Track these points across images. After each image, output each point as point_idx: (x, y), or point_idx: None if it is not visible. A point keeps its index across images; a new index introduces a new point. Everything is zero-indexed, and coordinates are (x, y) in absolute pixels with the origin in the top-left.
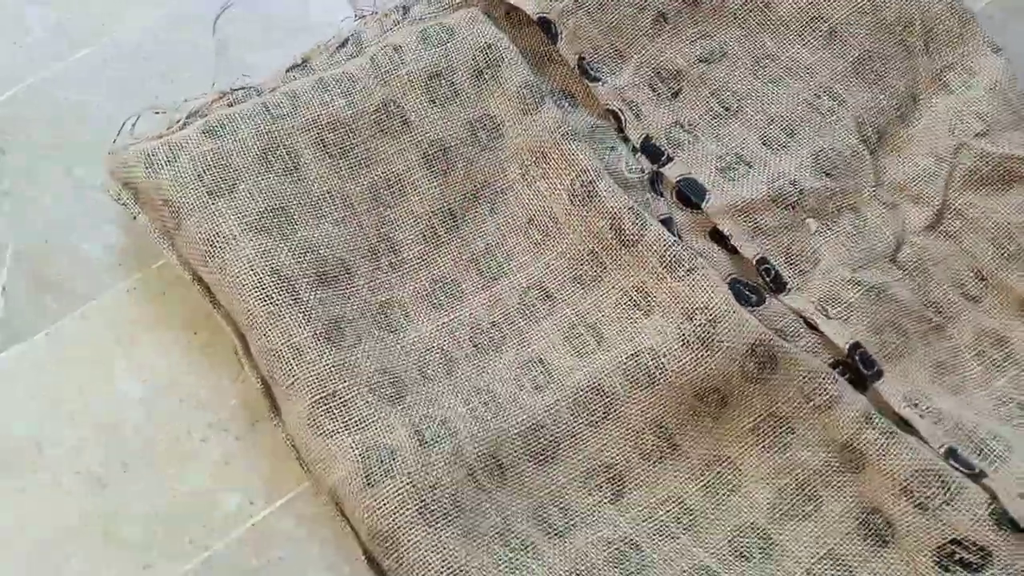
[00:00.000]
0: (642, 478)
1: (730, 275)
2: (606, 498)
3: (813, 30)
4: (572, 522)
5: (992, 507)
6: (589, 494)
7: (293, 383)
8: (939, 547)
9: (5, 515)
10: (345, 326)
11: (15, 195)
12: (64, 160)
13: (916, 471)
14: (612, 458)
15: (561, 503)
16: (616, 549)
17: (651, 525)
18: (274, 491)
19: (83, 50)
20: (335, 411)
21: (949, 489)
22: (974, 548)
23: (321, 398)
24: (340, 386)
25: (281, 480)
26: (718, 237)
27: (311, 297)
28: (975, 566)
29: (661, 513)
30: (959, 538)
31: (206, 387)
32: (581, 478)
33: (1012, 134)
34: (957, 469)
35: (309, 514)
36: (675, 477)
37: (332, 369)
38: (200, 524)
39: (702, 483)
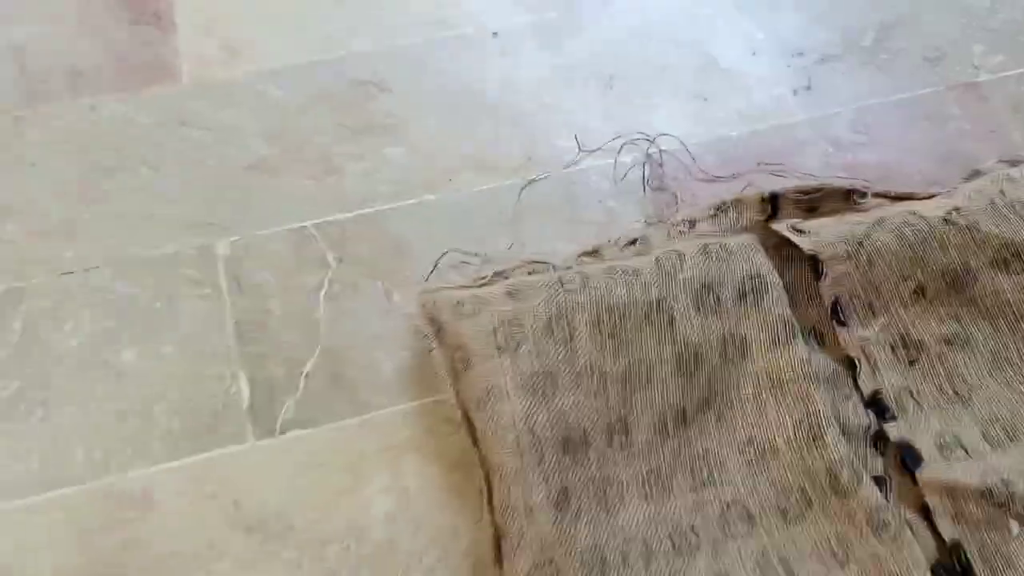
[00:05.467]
0: None
1: (936, 559)
2: None
3: None
4: None
5: None
6: None
7: (520, 542)
8: None
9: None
10: (571, 496)
11: (339, 300)
12: (386, 281)
13: None
14: None
15: None
16: None
17: None
18: None
19: (426, 195)
20: None
21: None
22: None
23: (540, 563)
24: (558, 553)
25: None
26: (928, 513)
27: (553, 460)
28: None
29: None
30: None
31: (445, 524)
32: None
33: None
34: None
35: None
36: None
37: (555, 537)
38: None
39: None
